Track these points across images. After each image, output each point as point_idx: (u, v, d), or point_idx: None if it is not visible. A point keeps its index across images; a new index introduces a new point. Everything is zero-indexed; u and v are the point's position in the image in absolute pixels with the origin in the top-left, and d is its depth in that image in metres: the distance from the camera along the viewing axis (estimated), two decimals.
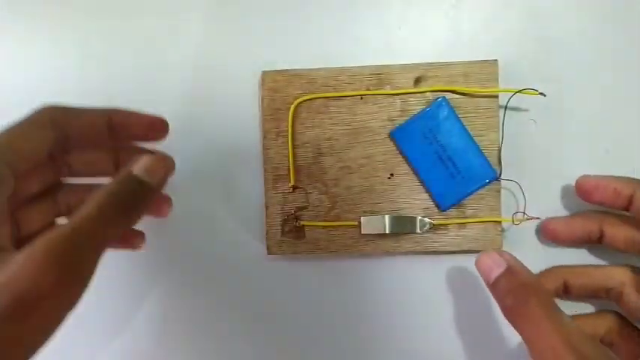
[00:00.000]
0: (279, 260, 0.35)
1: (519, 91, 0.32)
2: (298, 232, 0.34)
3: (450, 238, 0.33)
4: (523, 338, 0.26)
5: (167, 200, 0.31)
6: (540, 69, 0.34)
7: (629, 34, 0.34)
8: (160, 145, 0.38)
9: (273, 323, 0.36)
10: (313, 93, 0.33)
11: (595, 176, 0.32)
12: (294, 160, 0.34)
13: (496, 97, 0.33)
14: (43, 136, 0.26)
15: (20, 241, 0.26)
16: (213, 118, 0.36)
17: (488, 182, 0.33)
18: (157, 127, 0.30)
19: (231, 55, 0.35)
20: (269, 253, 0.34)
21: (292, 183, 0.34)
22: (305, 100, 0.33)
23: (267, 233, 0.34)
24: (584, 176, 0.32)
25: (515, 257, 0.28)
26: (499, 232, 0.33)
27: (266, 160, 0.34)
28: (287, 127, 0.34)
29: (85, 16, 0.36)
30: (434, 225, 0.33)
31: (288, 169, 0.34)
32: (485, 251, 0.29)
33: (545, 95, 0.32)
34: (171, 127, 0.37)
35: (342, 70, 0.33)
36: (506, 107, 0.33)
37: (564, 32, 0.34)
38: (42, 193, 0.28)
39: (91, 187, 0.29)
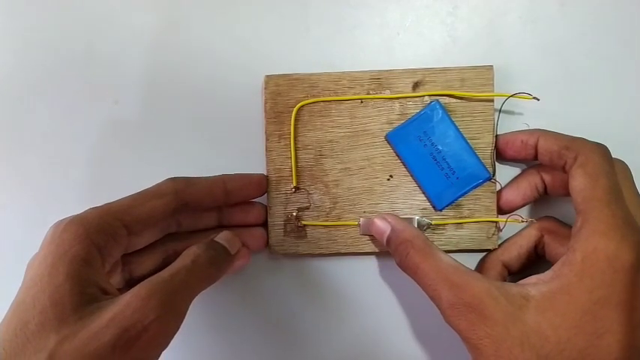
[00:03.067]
0: (280, 259, 0.36)
1: (513, 95, 0.33)
2: (300, 232, 0.35)
3: (448, 237, 0.35)
4: (418, 284, 0.30)
5: (262, 238, 0.35)
6: (534, 74, 0.35)
7: (623, 40, 0.35)
8: (163, 147, 0.38)
9: (274, 322, 0.37)
10: (315, 97, 0.35)
11: (506, 133, 0.34)
12: (296, 162, 0.35)
13: (491, 101, 0.34)
14: (161, 205, 0.30)
15: (131, 284, 0.30)
16: (217, 121, 0.37)
17: (482, 182, 0.34)
18: (263, 185, 0.35)
19: (235, 60, 0.37)
20: (271, 252, 0.36)
21: (294, 184, 0.34)
22: (307, 104, 0.35)
23: (269, 233, 0.35)
24: (499, 135, 0.34)
25: (397, 217, 0.33)
26: (495, 232, 0.34)
27: (269, 161, 0.35)
28: (289, 129, 0.35)
29: (93, 13, 0.37)
30: (432, 225, 0.34)
31: (291, 171, 0.34)
32: (376, 216, 0.33)
33: (538, 99, 0.33)
34: (175, 129, 0.38)
35: (342, 75, 0.35)
36: (500, 111, 0.34)
37: (559, 38, 0.35)
38: (153, 242, 0.32)
39: (196, 235, 0.34)
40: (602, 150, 0.29)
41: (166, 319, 0.26)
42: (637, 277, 0.26)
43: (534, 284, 0.28)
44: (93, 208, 0.28)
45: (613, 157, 0.30)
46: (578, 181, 0.28)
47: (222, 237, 0.32)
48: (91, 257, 0.26)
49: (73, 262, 0.26)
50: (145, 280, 0.27)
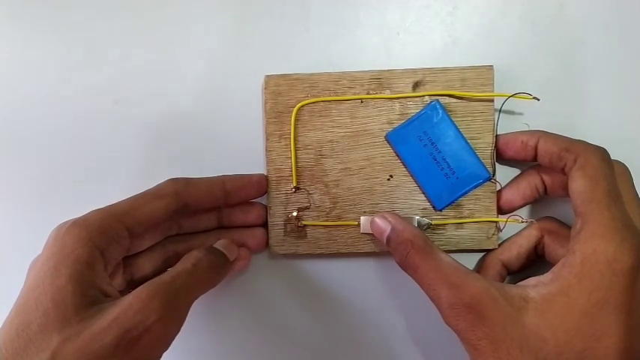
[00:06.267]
0: (280, 260, 0.36)
1: (513, 95, 0.34)
2: (300, 232, 0.35)
3: (448, 237, 0.35)
4: (418, 284, 0.30)
5: (262, 238, 0.36)
6: (534, 74, 0.35)
7: (623, 40, 0.36)
8: (164, 144, 0.38)
9: (274, 322, 0.37)
10: (315, 97, 0.35)
11: (507, 133, 0.34)
12: (296, 162, 0.35)
13: (491, 101, 0.34)
14: (162, 206, 0.30)
15: (132, 286, 0.31)
16: (217, 120, 0.37)
17: (482, 182, 0.34)
18: (262, 185, 0.35)
19: (235, 60, 0.37)
20: (271, 252, 0.36)
21: (294, 184, 0.35)
22: (307, 104, 0.35)
23: (269, 233, 0.36)
24: (499, 135, 0.35)
25: (397, 216, 0.33)
26: (495, 232, 0.34)
27: (269, 161, 0.35)
28: (289, 129, 0.35)
29: (93, 14, 0.37)
30: (432, 225, 0.34)
31: (291, 171, 0.34)
32: (377, 214, 0.33)
33: (539, 99, 0.33)
34: (175, 129, 0.38)
35: (342, 75, 0.35)
36: (500, 111, 0.34)
37: (559, 38, 0.35)
38: (153, 244, 0.33)
39: (196, 236, 0.35)
40: (602, 153, 0.30)
41: (168, 321, 0.26)
42: (636, 280, 0.27)
43: (534, 286, 0.28)
44: (95, 210, 0.29)
45: (613, 158, 0.30)
46: (578, 183, 0.29)
47: (220, 244, 0.33)
48: (93, 259, 0.27)
49: (75, 265, 0.26)
50: (147, 282, 0.27)
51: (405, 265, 0.31)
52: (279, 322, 0.37)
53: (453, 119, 0.34)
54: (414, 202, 0.35)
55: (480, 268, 0.35)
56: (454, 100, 0.34)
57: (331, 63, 0.36)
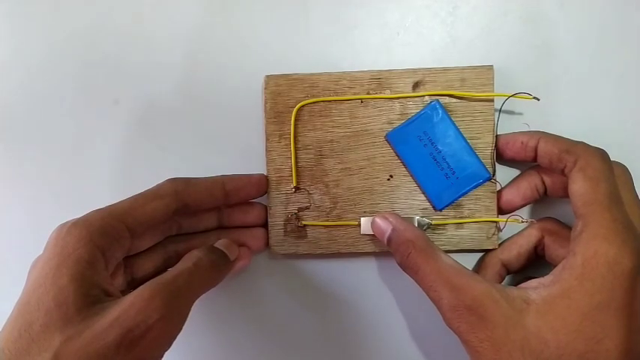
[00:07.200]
0: (281, 260, 0.36)
1: (513, 95, 0.34)
2: (300, 232, 0.36)
3: (448, 237, 0.35)
4: (419, 285, 0.30)
5: (262, 238, 0.36)
6: (534, 74, 0.36)
7: (623, 40, 0.36)
8: (164, 144, 0.39)
9: (274, 322, 0.37)
10: (315, 97, 0.35)
11: (507, 133, 0.34)
12: (297, 162, 0.35)
13: (491, 101, 0.34)
14: (162, 206, 0.30)
15: (133, 286, 0.31)
16: (217, 121, 0.37)
17: (482, 182, 0.35)
18: (262, 185, 0.35)
19: (235, 60, 0.37)
20: (271, 252, 0.36)
21: (294, 184, 0.35)
22: (307, 104, 0.35)
23: (269, 233, 0.36)
24: (499, 135, 0.35)
25: (398, 216, 0.33)
26: (495, 232, 0.35)
27: (269, 161, 0.36)
28: (289, 129, 0.35)
29: (88, 15, 0.38)
30: (432, 225, 0.34)
31: (291, 171, 0.35)
32: (377, 215, 0.33)
33: (539, 99, 0.33)
34: (175, 130, 0.38)
35: (342, 75, 0.35)
36: (500, 111, 0.34)
37: (559, 39, 0.36)
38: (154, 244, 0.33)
39: (196, 236, 0.35)
40: (602, 154, 0.30)
41: (170, 320, 0.26)
42: (636, 282, 0.27)
43: (535, 288, 0.28)
44: (95, 210, 0.29)
45: (613, 159, 0.30)
46: (579, 185, 0.29)
47: (221, 244, 0.33)
48: (94, 259, 0.27)
49: (76, 265, 0.26)
50: (149, 282, 0.27)
51: (405, 266, 0.31)
52: (279, 321, 0.37)
53: (453, 119, 0.34)
54: (414, 202, 0.35)
55: (479, 267, 0.35)
56: (454, 100, 0.35)
57: (331, 63, 0.36)
